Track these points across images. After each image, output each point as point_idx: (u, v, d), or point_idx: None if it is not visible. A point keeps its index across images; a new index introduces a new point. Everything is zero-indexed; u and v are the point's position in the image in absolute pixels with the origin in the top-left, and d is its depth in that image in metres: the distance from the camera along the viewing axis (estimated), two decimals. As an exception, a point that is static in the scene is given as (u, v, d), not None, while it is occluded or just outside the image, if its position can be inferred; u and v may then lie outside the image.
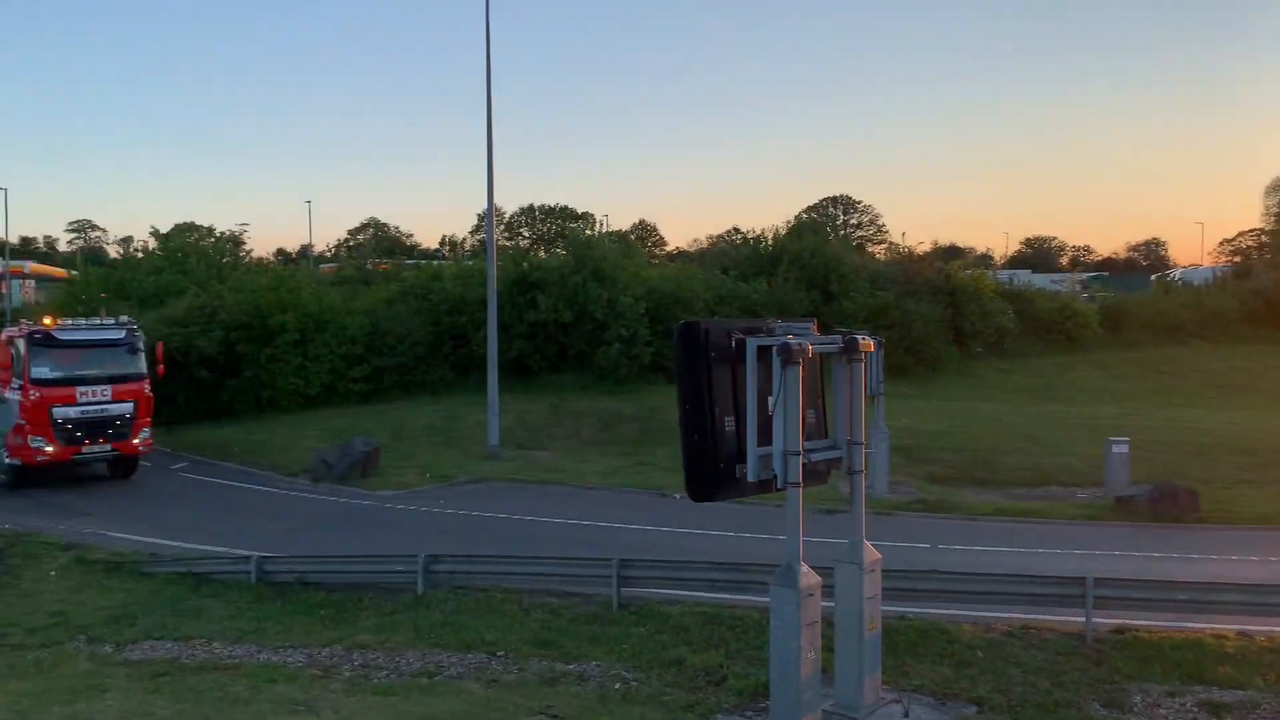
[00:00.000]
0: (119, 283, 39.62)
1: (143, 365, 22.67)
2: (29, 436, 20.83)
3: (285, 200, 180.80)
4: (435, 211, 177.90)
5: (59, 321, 22.18)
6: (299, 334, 32.55)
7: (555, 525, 18.30)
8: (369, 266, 54.79)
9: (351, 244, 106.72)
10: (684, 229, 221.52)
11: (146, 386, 22.68)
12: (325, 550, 15.36)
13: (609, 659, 10.57)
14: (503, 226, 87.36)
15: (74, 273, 51.00)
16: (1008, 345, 39.94)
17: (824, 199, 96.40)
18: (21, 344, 21.06)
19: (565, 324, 34.21)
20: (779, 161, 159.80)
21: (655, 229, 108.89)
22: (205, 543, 16.73)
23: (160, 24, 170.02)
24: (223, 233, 46.86)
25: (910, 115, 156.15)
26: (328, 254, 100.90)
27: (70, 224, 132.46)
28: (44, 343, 21.01)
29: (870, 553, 9.08)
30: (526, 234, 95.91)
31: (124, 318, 23.12)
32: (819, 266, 39.20)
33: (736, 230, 69.86)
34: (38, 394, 20.82)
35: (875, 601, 9.15)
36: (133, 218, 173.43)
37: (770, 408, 8.49)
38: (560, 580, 13.03)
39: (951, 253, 62.98)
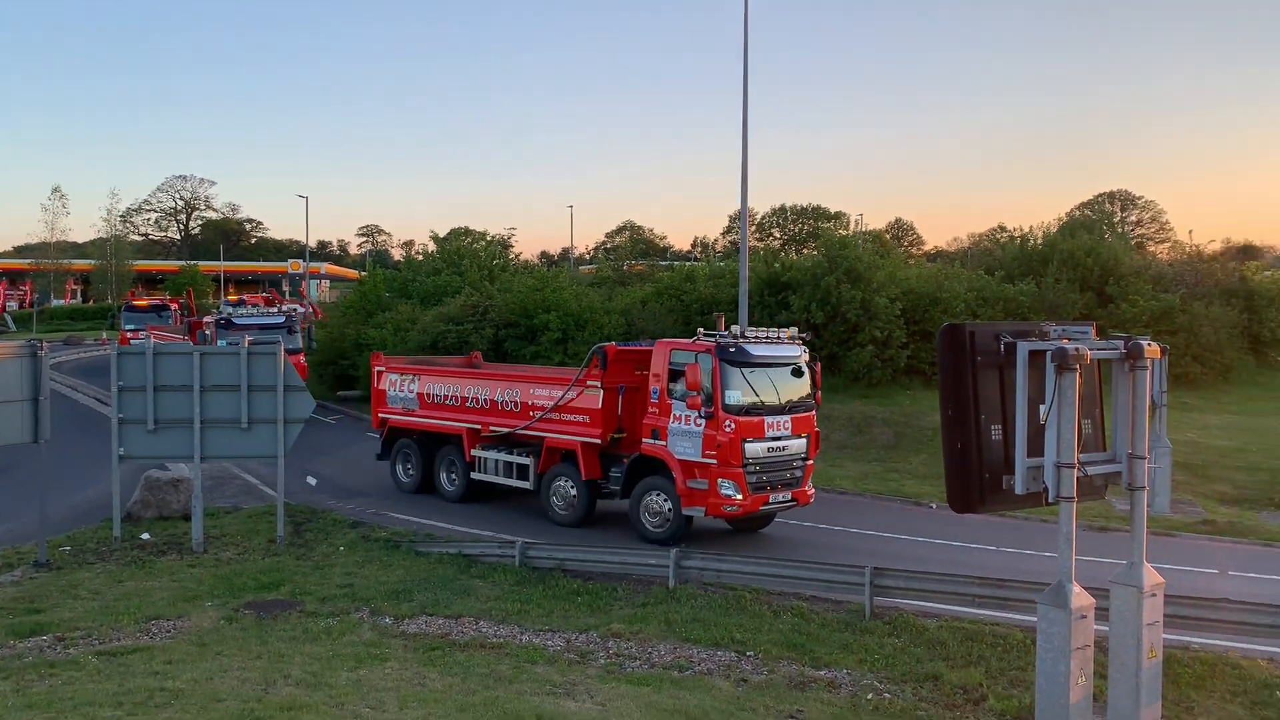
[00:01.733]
0: (402, 283, 42.80)
1: (810, 390, 17.34)
2: (718, 480, 15.60)
3: (549, 205, 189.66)
4: (688, 214, 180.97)
5: (747, 333, 16.73)
6: (561, 332, 33.89)
7: (803, 529, 18.09)
8: (625, 268, 56.38)
9: (609, 246, 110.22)
10: (943, 228, 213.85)
11: (815, 418, 17.57)
12: (581, 540, 15.91)
13: (860, 668, 10.35)
14: (754, 227, 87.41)
15: (363, 274, 55.64)
16: (1314, 355, 35.82)
17: (1099, 194, 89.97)
18: (708, 359, 15.62)
19: (816, 325, 33.75)
20: (1049, 155, 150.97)
21: (912, 227, 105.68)
22: (473, 526, 17.77)
23: (438, 49, 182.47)
24: (493, 237, 49.59)
25: (1196, 100, 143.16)
26: (587, 256, 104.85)
27: (360, 229, 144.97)
28: (736, 358, 15.77)
29: (1151, 575, 8.40)
30: (778, 234, 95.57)
31: (793, 330, 17.41)
32: (1094, 267, 36.61)
33: (1002, 228, 66.50)
34: (733, 426, 15.59)
35: (1156, 628, 8.46)
36: (415, 222, 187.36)
37: (1042, 416, 8.02)
38: (810, 585, 12.88)
39: (1247, 252, 57.12)
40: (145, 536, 16.24)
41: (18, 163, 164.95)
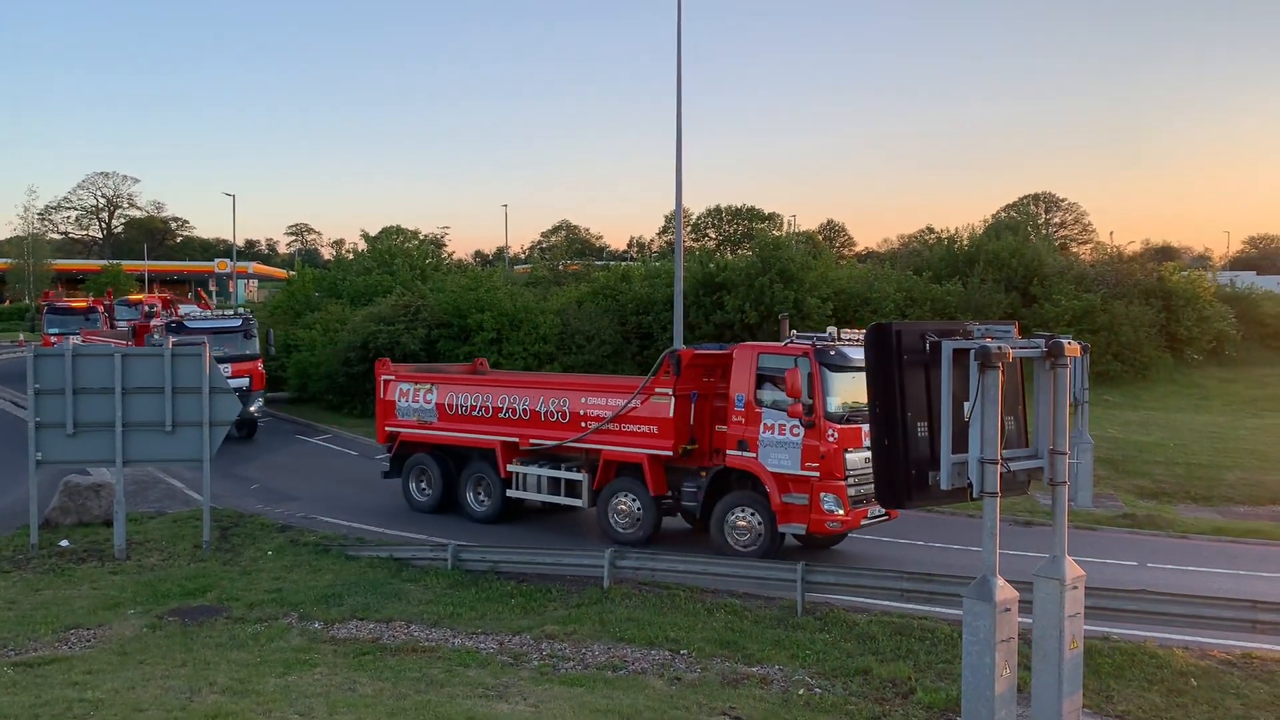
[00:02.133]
0: (332, 282, 42.20)
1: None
2: (820, 495, 14.31)
3: (484, 205, 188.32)
4: (624, 214, 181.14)
5: (841, 334, 15.23)
6: (495, 332, 33.71)
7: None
8: (560, 268, 56.30)
9: (544, 246, 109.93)
10: (874, 229, 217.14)
11: None
12: (519, 543, 15.84)
13: (792, 664, 10.45)
14: (690, 228, 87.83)
15: (292, 273, 54.74)
16: (1228, 353, 37.04)
17: (1024, 197, 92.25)
18: (807, 363, 14.36)
19: (751, 325, 34.06)
20: (976, 158, 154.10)
21: (844, 229, 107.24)
22: (405, 529, 17.58)
23: (363, 40, 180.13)
24: (426, 236, 49.17)
25: (1117, 106, 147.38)
26: (521, 255, 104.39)
27: (289, 228, 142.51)
28: (836, 362, 14.48)
29: (1073, 568, 8.61)
30: (713, 235, 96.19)
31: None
32: (1018, 267, 37.52)
33: (930, 230, 67.85)
34: (835, 435, 14.32)
35: (1077, 620, 8.66)
36: (346, 222, 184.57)
37: (966, 414, 8.18)
38: (744, 582, 13.00)
39: (1165, 253, 59.10)
40: (64, 543, 15.78)
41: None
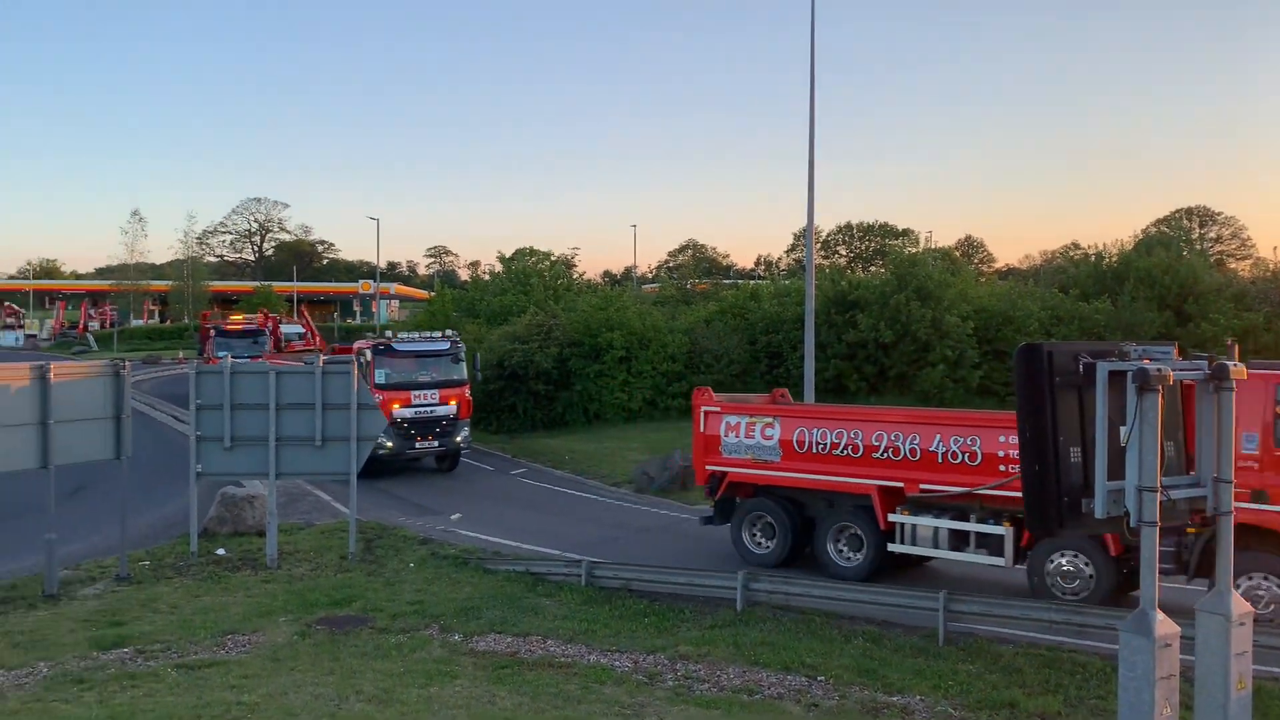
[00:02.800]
0: (469, 303, 43.41)
1: None
2: None
3: (613, 225, 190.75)
4: (751, 232, 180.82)
5: None
6: (624, 351, 34.07)
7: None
8: (688, 286, 56.53)
9: (672, 265, 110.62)
10: (1014, 245, 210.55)
11: None
12: (648, 559, 15.88)
13: (935, 694, 10.14)
14: (820, 245, 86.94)
15: (432, 294, 56.51)
16: None
17: (1176, 210, 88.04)
18: None
19: (885, 344, 33.50)
20: (1124, 171, 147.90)
21: (982, 245, 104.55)
22: (540, 544, 17.84)
23: (494, 65, 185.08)
24: (558, 256, 50.11)
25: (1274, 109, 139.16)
26: (649, 275, 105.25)
27: (428, 249, 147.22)
28: None
29: (1240, 604, 8.12)
30: (844, 252, 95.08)
31: None
32: (1172, 285, 35.83)
33: (1075, 245, 65.51)
34: None
35: (1245, 658, 8.16)
36: (481, 243, 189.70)
37: (1123, 439, 7.83)
38: (882, 610, 12.68)
39: (1336, 267, 55.21)
40: (221, 552, 16.58)
41: (99, 187, 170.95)
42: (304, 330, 49.05)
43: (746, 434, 16.40)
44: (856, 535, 15.35)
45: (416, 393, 24.93)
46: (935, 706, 9.84)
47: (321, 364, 16.38)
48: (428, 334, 27.20)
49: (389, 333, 27.07)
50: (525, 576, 15.04)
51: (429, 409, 25.02)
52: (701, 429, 17.00)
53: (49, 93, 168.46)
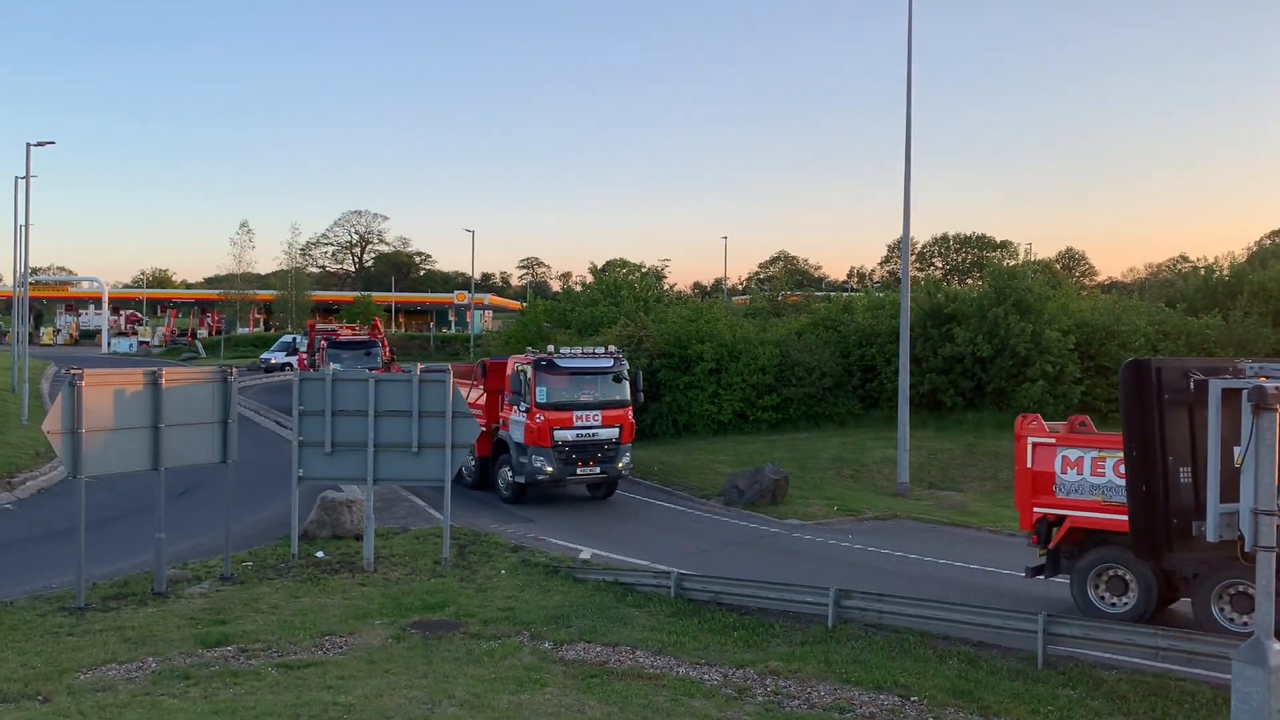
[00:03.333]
0: (561, 314, 43.81)
1: None
2: None
3: (703, 236, 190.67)
4: (844, 243, 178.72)
5: None
6: (714, 363, 33.96)
7: (968, 571, 17.47)
8: (779, 298, 56.13)
9: (763, 276, 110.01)
10: (1117, 258, 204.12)
11: None
12: (736, 572, 15.79)
13: (1033, 718, 9.85)
14: (915, 257, 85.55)
15: (524, 304, 57.26)
16: None
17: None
18: None
19: (983, 358, 32.75)
20: (1234, 181, 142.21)
21: (1084, 257, 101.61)
22: (629, 554, 17.88)
23: (584, 75, 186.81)
24: (648, 268, 50.31)
25: None
26: (740, 287, 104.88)
27: (521, 261, 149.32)
28: None
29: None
30: (939, 264, 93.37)
31: None
32: (1288, 299, 34.28)
33: (1183, 258, 63.23)
34: None
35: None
36: (573, 254, 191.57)
37: (1237, 459, 7.51)
38: (978, 630, 12.36)
39: None
40: (320, 555, 17.01)
41: (210, 199, 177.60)
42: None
43: (1092, 471, 13.86)
44: (1245, 594, 11.92)
45: (579, 413, 22.86)
46: (1034, 732, 9.55)
47: (419, 372, 16.68)
48: (590, 350, 24.67)
49: (550, 346, 24.47)
50: (614, 586, 15.08)
51: (591, 431, 22.97)
52: (1029, 464, 14.76)
53: (162, 107, 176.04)
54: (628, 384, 23.70)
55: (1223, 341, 32.36)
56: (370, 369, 28.39)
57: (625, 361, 24.27)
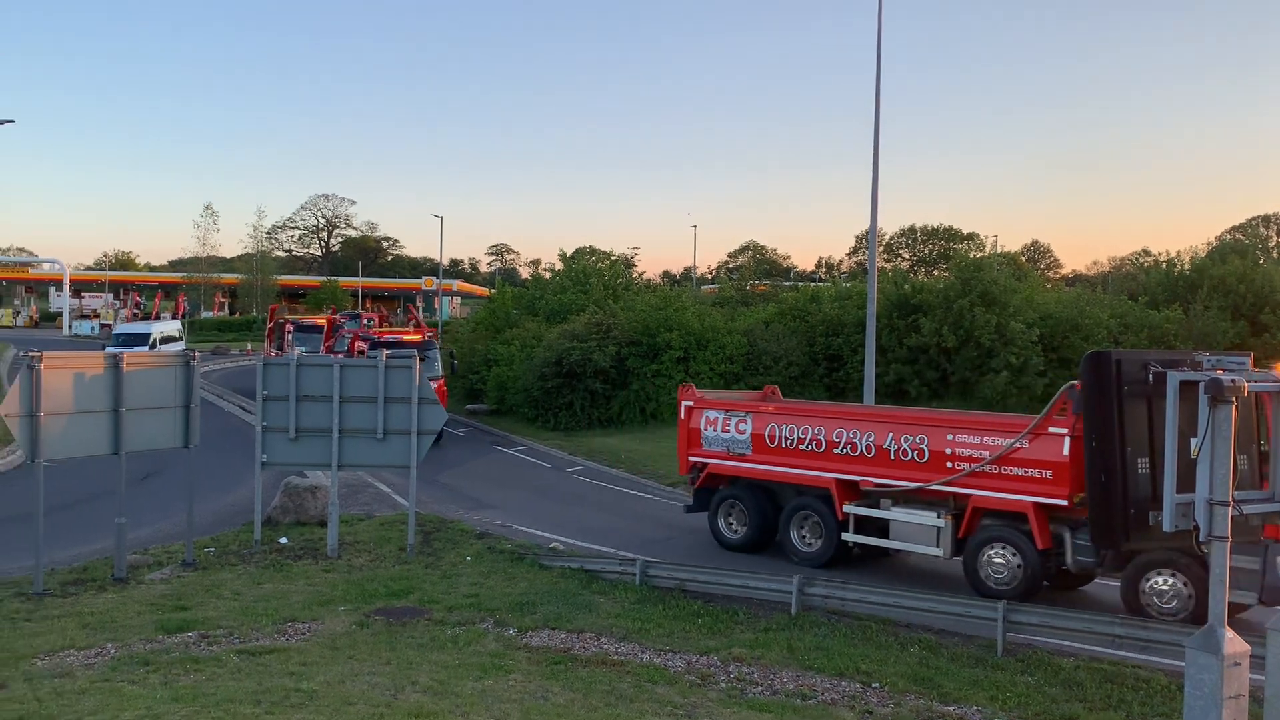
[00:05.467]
0: (530, 300, 43.67)
1: None
2: None
3: (672, 225, 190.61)
4: (812, 234, 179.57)
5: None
6: (682, 351, 34.03)
7: (932, 560, 17.63)
8: (748, 288, 56.27)
9: (731, 266, 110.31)
10: (1082, 251, 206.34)
11: None
12: (701, 560, 15.86)
13: (992, 705, 9.98)
14: (882, 248, 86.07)
15: (492, 291, 57.04)
16: None
17: (1252, 218, 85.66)
18: None
19: (948, 349, 33.05)
20: (1197, 176, 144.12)
21: (1049, 250, 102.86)
22: (595, 542, 17.90)
23: (555, 63, 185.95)
24: (617, 256, 50.18)
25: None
26: (709, 276, 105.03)
27: (490, 247, 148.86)
28: None
29: (1314, 624, 7.85)
30: (906, 255, 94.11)
31: None
32: (1247, 294, 34.92)
33: (1146, 252, 64.08)
34: None
35: (1320, 681, 7.89)
36: (542, 241, 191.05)
37: (1194, 451, 7.64)
38: (939, 618, 12.49)
39: None
40: (283, 541, 16.89)
41: (173, 182, 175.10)
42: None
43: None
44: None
45: None
46: (992, 718, 9.68)
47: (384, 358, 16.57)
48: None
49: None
50: (580, 573, 15.09)
51: None
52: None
53: (124, 88, 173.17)
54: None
55: (1183, 335, 32.84)
56: (431, 379, 24.93)
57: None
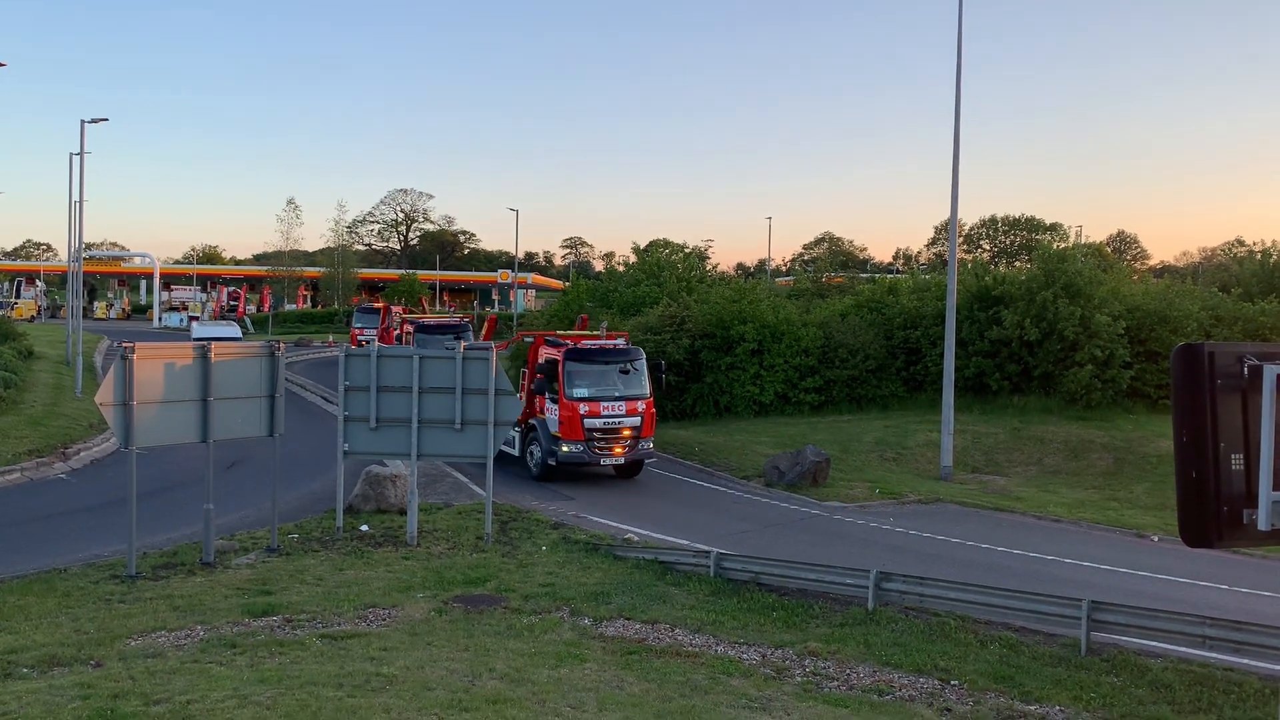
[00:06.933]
0: (603, 293, 43.81)
1: None
2: None
3: (747, 217, 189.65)
4: (889, 225, 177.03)
5: None
6: (756, 344, 33.80)
7: (1011, 556, 17.32)
8: (823, 280, 55.73)
9: (806, 258, 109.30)
10: (1170, 241, 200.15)
11: None
12: (776, 553, 15.76)
13: (1075, 705, 9.75)
14: (962, 239, 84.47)
15: (566, 284, 57.42)
16: None
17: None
18: None
19: (1030, 342, 32.30)
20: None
21: (1135, 241, 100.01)
22: (669, 533, 17.93)
23: (631, 55, 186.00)
24: (691, 249, 50.06)
25: None
26: (784, 268, 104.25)
27: (564, 240, 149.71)
28: None
29: None
30: (987, 246, 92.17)
31: None
32: (1348, 284, 33.40)
33: (1239, 242, 61.83)
34: None
35: None
36: (616, 234, 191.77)
37: (1290, 446, 7.34)
38: (1020, 615, 12.24)
39: None
40: (364, 528, 17.24)
41: (259, 177, 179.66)
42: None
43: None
44: None
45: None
46: (1076, 718, 9.46)
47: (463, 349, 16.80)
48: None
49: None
50: (654, 565, 15.13)
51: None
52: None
53: (211, 85, 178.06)
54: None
55: (1279, 327, 31.63)
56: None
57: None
